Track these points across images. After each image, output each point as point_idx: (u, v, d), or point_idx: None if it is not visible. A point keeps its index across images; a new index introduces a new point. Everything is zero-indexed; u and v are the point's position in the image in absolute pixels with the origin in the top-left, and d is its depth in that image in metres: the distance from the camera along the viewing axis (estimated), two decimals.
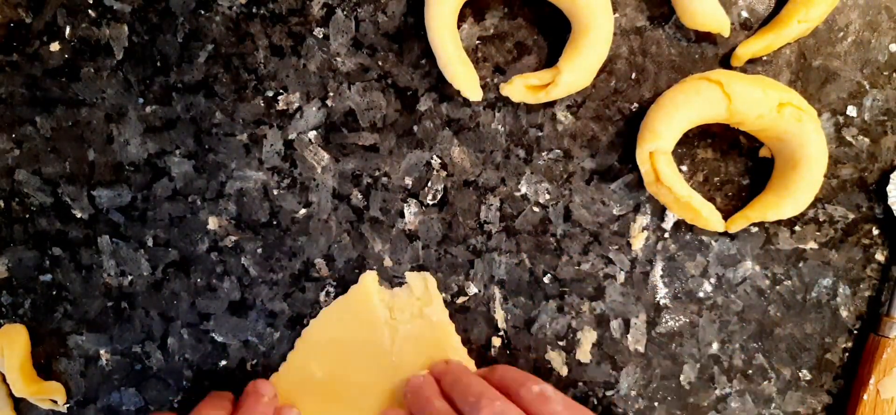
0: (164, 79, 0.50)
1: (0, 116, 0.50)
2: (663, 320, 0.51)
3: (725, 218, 0.49)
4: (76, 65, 0.50)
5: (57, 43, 0.49)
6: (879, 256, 0.50)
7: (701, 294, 0.51)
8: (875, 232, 0.50)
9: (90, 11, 0.49)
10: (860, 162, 0.50)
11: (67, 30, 0.49)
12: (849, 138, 0.50)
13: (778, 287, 0.50)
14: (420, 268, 0.51)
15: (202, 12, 0.49)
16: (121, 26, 0.49)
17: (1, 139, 0.50)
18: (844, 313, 0.51)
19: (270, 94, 0.50)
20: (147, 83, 0.50)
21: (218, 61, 0.49)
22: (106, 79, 0.50)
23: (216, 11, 0.49)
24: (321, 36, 0.49)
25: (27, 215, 0.51)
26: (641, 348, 0.51)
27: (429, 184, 0.50)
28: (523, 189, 0.50)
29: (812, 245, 0.50)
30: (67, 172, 0.50)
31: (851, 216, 0.50)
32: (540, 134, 0.50)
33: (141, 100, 0.50)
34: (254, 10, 0.49)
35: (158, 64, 0.50)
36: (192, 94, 0.50)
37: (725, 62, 0.49)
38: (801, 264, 0.50)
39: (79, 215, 0.51)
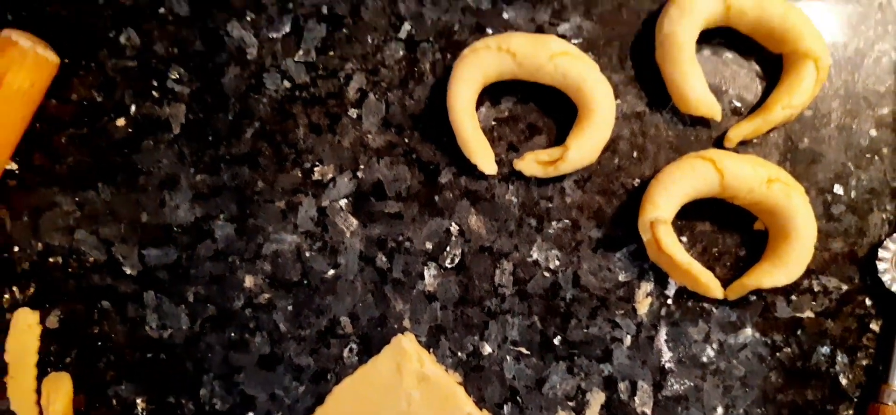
0: (214, 151, 0.56)
1: (66, 181, 0.56)
2: (669, 383, 0.53)
3: (724, 287, 0.53)
4: (138, 138, 0.56)
5: (122, 119, 0.56)
6: (874, 326, 0.53)
7: (704, 359, 0.53)
8: (868, 303, 0.53)
9: (154, 92, 0.56)
10: (849, 236, 0.53)
11: (132, 108, 0.56)
12: (837, 214, 0.54)
13: (778, 354, 0.53)
14: (438, 328, 0.54)
15: (251, 94, 0.56)
16: (179, 105, 0.56)
17: (66, 202, 0.56)
18: (844, 381, 0.53)
19: (307, 166, 0.55)
20: (199, 155, 0.56)
21: (263, 137, 0.56)
22: (163, 151, 0.56)
23: (264, 94, 0.56)
24: (355, 116, 0.55)
25: (82, 271, 0.56)
26: (648, 411, 0.53)
27: (447, 249, 0.55)
28: (535, 256, 0.54)
29: (809, 314, 0.53)
30: (122, 233, 0.56)
31: (845, 287, 0.53)
32: (550, 205, 0.54)
33: (192, 170, 0.56)
34: (296, 93, 0.56)
35: (210, 138, 0.56)
36: (238, 165, 0.56)
37: (719, 144, 0.54)
38: (799, 332, 0.53)
39: (128, 272, 0.56)
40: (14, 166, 0.56)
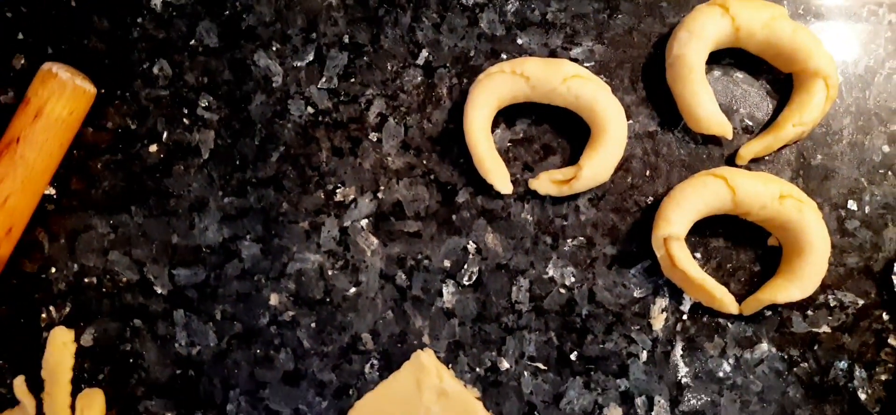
0: (241, 175, 0.58)
1: (102, 205, 0.59)
2: (686, 398, 0.54)
3: (739, 302, 0.53)
4: (169, 163, 0.59)
5: (155, 145, 0.59)
6: (892, 341, 0.53)
7: (721, 374, 0.54)
8: (885, 317, 0.53)
9: (185, 119, 0.59)
10: (864, 251, 0.54)
11: (164, 134, 0.59)
12: (851, 230, 0.54)
13: (795, 369, 0.53)
14: (456, 344, 0.56)
15: (277, 120, 0.58)
16: (209, 131, 0.59)
17: (101, 224, 0.58)
18: (863, 396, 0.53)
19: (330, 187, 0.57)
20: (227, 178, 0.58)
21: (287, 160, 0.58)
22: (193, 175, 0.58)
23: (288, 119, 0.58)
24: (375, 139, 0.58)
25: (115, 291, 0.58)
26: None
27: (465, 267, 0.56)
28: (551, 272, 0.55)
29: (825, 329, 0.53)
30: (153, 254, 0.58)
31: (861, 302, 0.53)
32: (565, 223, 0.56)
33: (220, 192, 0.58)
34: (320, 119, 0.58)
35: (237, 162, 0.58)
36: (264, 188, 0.58)
37: (731, 162, 0.55)
38: (816, 347, 0.53)
39: (159, 291, 0.58)
40: (52, 191, 0.59)
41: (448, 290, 0.56)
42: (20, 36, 0.59)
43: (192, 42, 0.59)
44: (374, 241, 0.57)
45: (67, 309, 0.58)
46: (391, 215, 0.57)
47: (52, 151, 0.56)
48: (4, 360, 0.57)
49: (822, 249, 0.51)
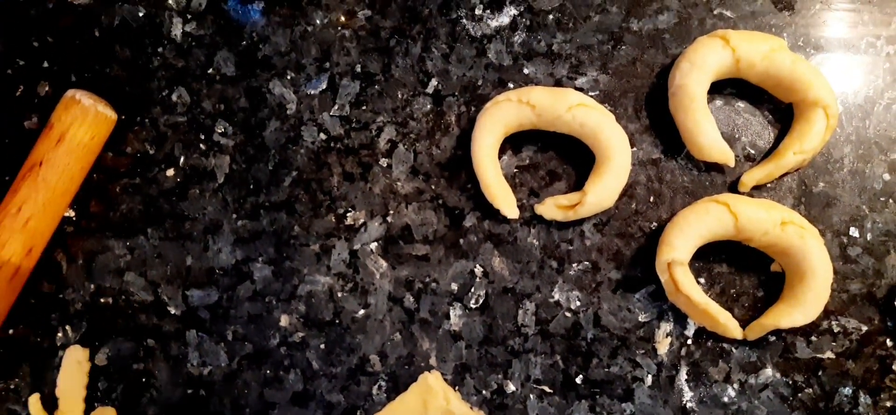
0: (255, 199, 0.60)
1: (119, 227, 0.60)
2: None
3: (743, 327, 0.54)
4: (186, 187, 0.60)
5: (172, 169, 0.61)
6: None
7: (725, 399, 0.54)
8: (889, 343, 0.53)
9: (201, 145, 0.61)
10: (867, 278, 0.54)
11: (181, 159, 0.61)
12: (854, 256, 0.55)
13: (800, 394, 0.53)
14: (463, 367, 0.56)
15: (290, 146, 0.60)
16: (224, 156, 0.60)
17: (118, 246, 0.60)
18: None
19: (341, 211, 0.59)
20: (241, 202, 0.60)
21: (300, 185, 0.60)
22: (208, 199, 0.60)
23: (301, 145, 0.60)
24: (385, 165, 0.59)
25: (130, 311, 0.59)
26: None
27: (472, 290, 0.57)
28: (556, 296, 0.56)
29: (829, 355, 0.54)
30: (167, 275, 0.60)
31: (864, 328, 0.54)
32: (570, 248, 0.57)
33: (234, 216, 0.60)
34: (331, 144, 0.60)
35: (251, 186, 0.60)
36: (277, 211, 0.59)
37: (734, 189, 0.56)
38: (820, 373, 0.54)
39: (173, 312, 0.59)
40: (72, 213, 0.60)
41: (455, 313, 0.57)
42: (45, 64, 0.62)
43: (210, 71, 0.61)
44: (383, 264, 0.58)
45: (83, 329, 0.59)
46: (400, 239, 0.58)
47: (73, 174, 0.58)
48: (21, 378, 0.59)
49: (824, 274, 0.52)
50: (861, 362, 0.53)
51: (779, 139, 0.56)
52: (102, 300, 0.59)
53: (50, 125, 0.58)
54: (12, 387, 0.59)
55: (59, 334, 0.59)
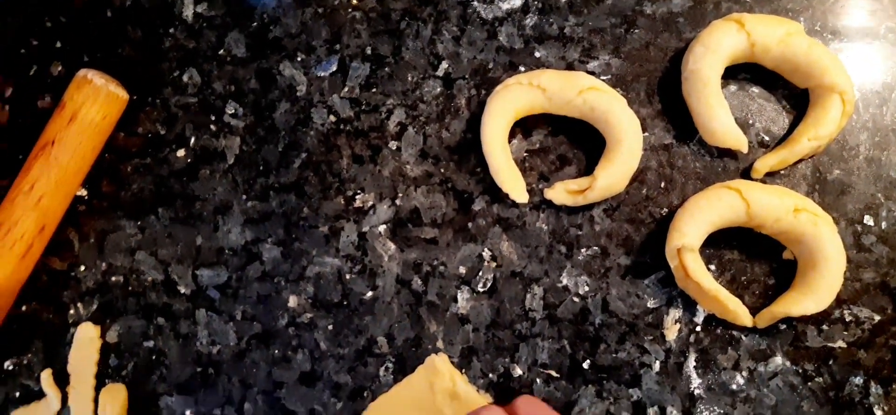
0: (265, 180, 0.60)
1: (130, 207, 0.61)
2: (698, 410, 0.54)
3: (753, 315, 0.53)
4: (196, 167, 0.61)
5: (183, 150, 0.61)
6: None
7: (734, 387, 0.53)
8: None
9: (212, 126, 0.61)
10: (881, 267, 0.54)
11: (192, 140, 0.61)
12: (868, 245, 0.54)
13: (810, 383, 0.53)
14: (470, 350, 0.56)
15: (300, 128, 0.60)
16: (234, 137, 0.61)
17: (129, 226, 0.61)
18: (879, 413, 0.52)
19: (350, 194, 0.59)
20: (250, 183, 0.60)
21: (309, 167, 0.60)
22: (218, 179, 0.60)
23: (311, 127, 0.60)
24: (395, 148, 0.59)
25: (141, 290, 0.60)
26: None
27: (480, 274, 0.57)
28: (565, 281, 0.56)
29: (841, 344, 0.53)
30: (178, 255, 0.60)
31: (877, 318, 0.53)
32: (579, 233, 0.56)
33: (244, 197, 0.60)
34: (341, 127, 0.60)
35: (261, 168, 0.60)
36: (286, 193, 0.59)
37: (746, 175, 0.56)
38: (831, 362, 0.53)
39: (183, 291, 0.60)
40: (84, 192, 0.61)
41: (463, 296, 0.57)
42: (58, 44, 0.62)
43: (221, 52, 0.61)
44: (392, 246, 0.58)
45: (94, 306, 0.60)
46: (408, 222, 0.58)
47: (85, 153, 0.59)
48: (33, 354, 0.59)
49: (837, 262, 0.51)
50: (873, 352, 0.53)
51: (793, 126, 0.56)
52: (114, 279, 0.60)
53: (62, 104, 0.58)
54: (25, 362, 0.59)
55: (71, 312, 0.60)
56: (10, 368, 0.59)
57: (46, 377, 0.59)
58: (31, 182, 0.57)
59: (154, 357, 0.59)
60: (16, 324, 0.60)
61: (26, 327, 0.60)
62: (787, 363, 0.53)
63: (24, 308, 0.60)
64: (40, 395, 0.59)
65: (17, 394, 0.59)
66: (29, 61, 0.62)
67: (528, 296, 0.56)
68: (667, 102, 0.57)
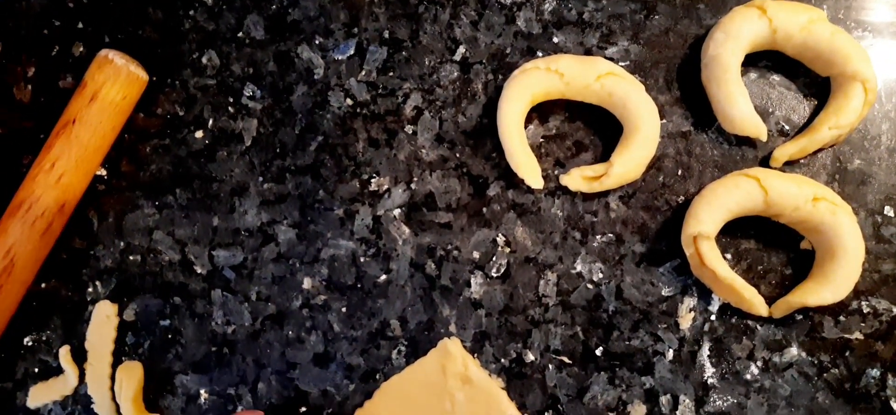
0: (281, 162, 0.60)
1: (149, 187, 0.61)
2: (711, 399, 0.53)
3: (769, 305, 0.53)
4: (214, 149, 0.61)
5: (201, 131, 0.61)
6: None
7: (748, 376, 0.53)
8: None
9: (230, 108, 0.61)
10: None
11: (210, 121, 0.61)
12: (887, 236, 0.53)
13: (825, 375, 0.52)
14: (483, 335, 0.56)
15: (317, 111, 0.60)
16: (252, 119, 0.61)
17: (147, 205, 0.61)
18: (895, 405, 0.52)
19: (365, 177, 0.59)
20: (267, 165, 0.60)
21: (325, 150, 0.60)
22: (235, 160, 0.61)
23: (328, 110, 0.60)
24: (411, 132, 0.59)
25: (158, 269, 0.61)
26: None
27: (494, 259, 0.57)
28: (579, 268, 0.56)
29: (858, 335, 0.52)
30: (194, 235, 0.61)
31: (895, 310, 0.52)
32: (594, 220, 0.56)
33: (261, 178, 0.60)
34: (358, 110, 0.60)
35: (278, 150, 0.60)
36: (302, 175, 0.60)
37: (765, 164, 0.55)
38: (847, 354, 0.52)
39: (199, 271, 0.60)
40: (104, 172, 0.62)
41: (476, 281, 0.57)
42: (80, 25, 0.63)
43: (240, 34, 0.62)
44: (406, 230, 0.58)
45: (112, 285, 0.60)
46: (423, 206, 0.58)
47: (105, 132, 0.59)
48: (52, 330, 0.60)
49: (855, 252, 0.50)
50: (891, 344, 0.52)
51: (814, 114, 0.55)
52: (131, 258, 0.61)
53: (83, 84, 0.59)
54: (44, 339, 0.60)
55: (90, 289, 0.61)
56: (29, 343, 0.60)
57: (64, 354, 0.60)
58: (51, 160, 0.58)
59: (170, 336, 0.60)
60: (35, 301, 0.60)
61: (45, 304, 0.61)
62: (803, 354, 0.53)
63: (43, 285, 0.61)
64: (58, 371, 0.60)
65: (36, 369, 0.60)
66: (51, 41, 0.63)
67: (542, 282, 0.56)
68: (686, 89, 0.57)
